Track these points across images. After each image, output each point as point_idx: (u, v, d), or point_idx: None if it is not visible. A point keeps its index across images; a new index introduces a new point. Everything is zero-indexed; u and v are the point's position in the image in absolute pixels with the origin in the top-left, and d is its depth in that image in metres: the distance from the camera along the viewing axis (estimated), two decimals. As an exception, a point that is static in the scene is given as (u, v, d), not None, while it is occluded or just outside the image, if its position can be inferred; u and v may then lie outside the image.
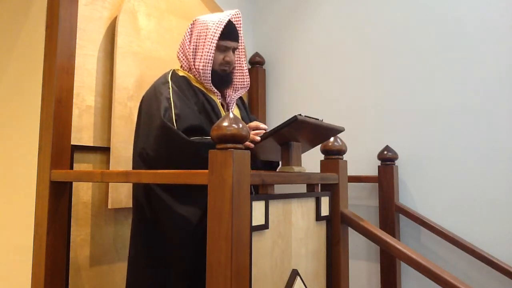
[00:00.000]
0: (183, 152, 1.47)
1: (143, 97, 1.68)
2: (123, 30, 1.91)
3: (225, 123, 1.13)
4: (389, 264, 2.24)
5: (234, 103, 1.83)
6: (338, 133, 1.56)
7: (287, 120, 1.31)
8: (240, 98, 1.92)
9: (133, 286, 1.57)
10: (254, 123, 1.59)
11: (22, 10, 1.87)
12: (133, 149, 1.63)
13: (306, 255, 1.46)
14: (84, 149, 1.80)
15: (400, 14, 2.43)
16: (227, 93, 1.82)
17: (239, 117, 1.77)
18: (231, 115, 1.16)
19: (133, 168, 1.61)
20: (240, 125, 1.14)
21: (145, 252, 1.54)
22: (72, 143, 1.69)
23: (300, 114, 1.32)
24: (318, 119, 1.41)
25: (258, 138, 1.44)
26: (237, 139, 1.13)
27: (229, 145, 1.13)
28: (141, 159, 1.55)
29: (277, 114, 2.78)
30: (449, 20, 2.28)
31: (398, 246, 1.46)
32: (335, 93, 2.60)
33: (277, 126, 1.36)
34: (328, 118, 1.68)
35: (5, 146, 1.88)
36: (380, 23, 2.49)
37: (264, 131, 1.52)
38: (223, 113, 1.73)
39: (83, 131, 1.79)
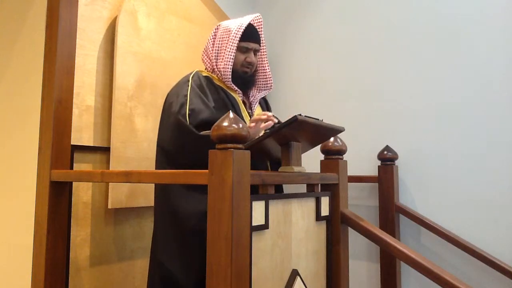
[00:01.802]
0: (193, 145, 1.56)
1: (167, 95, 1.77)
2: (123, 30, 1.91)
3: (225, 123, 1.13)
4: (389, 264, 2.24)
5: (257, 103, 1.91)
6: (338, 133, 1.56)
7: (287, 120, 1.31)
8: (264, 98, 2.00)
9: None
10: (254, 118, 1.63)
11: (22, 10, 1.87)
12: (157, 141, 1.75)
13: (306, 255, 1.46)
14: (84, 149, 1.80)
15: (401, 13, 2.42)
16: (251, 93, 1.89)
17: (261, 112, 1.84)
18: (231, 115, 1.16)
19: (156, 160, 1.72)
20: (240, 125, 1.14)
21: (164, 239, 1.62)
22: (72, 143, 1.70)
23: (300, 114, 1.32)
24: (318, 119, 1.41)
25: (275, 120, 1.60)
26: (237, 139, 1.13)
27: (229, 145, 1.13)
28: (161, 151, 1.67)
29: (277, 114, 2.77)
30: (449, 19, 2.28)
31: (398, 246, 1.46)
32: (335, 93, 2.60)
33: (277, 126, 1.36)
34: (328, 118, 1.68)
35: (5, 146, 1.88)
36: (380, 22, 2.49)
37: (271, 120, 1.62)
38: (243, 110, 1.80)
39: (83, 131, 1.79)
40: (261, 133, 1.60)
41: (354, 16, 2.58)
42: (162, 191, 1.65)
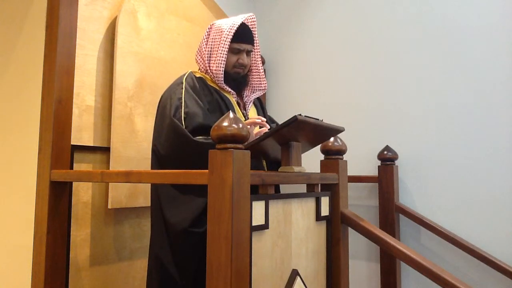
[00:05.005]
0: (188, 150, 1.54)
1: (161, 97, 1.75)
2: (123, 30, 1.91)
3: (225, 123, 1.13)
4: (389, 264, 2.25)
5: (251, 103, 1.89)
6: (338, 133, 1.56)
7: (287, 120, 1.31)
8: (258, 99, 1.97)
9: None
10: (248, 121, 1.63)
11: (22, 10, 1.87)
12: (151, 144, 1.73)
13: (306, 255, 1.46)
14: (84, 149, 1.80)
15: (400, 15, 2.43)
16: (244, 94, 1.88)
17: (256, 116, 1.83)
18: (231, 115, 1.16)
19: (151, 163, 1.70)
20: (240, 125, 1.14)
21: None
22: (72, 143, 1.70)
23: (300, 114, 1.32)
24: (318, 119, 1.41)
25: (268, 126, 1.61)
26: (237, 139, 1.13)
27: (229, 145, 1.13)
28: (154, 155, 1.65)
29: (277, 114, 2.78)
30: (449, 20, 2.28)
31: (398, 246, 1.46)
32: (335, 93, 2.60)
33: (277, 126, 1.36)
34: (328, 118, 1.68)
35: (5, 146, 1.88)
36: (380, 23, 2.49)
37: (264, 125, 1.62)
38: (238, 111, 1.78)
39: (83, 131, 1.79)
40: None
41: (355, 17, 2.58)
42: (154, 194, 1.65)
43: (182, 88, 1.67)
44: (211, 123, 1.59)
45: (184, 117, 1.58)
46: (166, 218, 1.56)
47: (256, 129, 1.66)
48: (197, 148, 1.50)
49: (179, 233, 1.52)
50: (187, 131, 1.54)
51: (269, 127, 1.67)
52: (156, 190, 1.62)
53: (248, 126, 1.58)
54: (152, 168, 1.69)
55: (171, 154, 1.58)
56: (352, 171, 2.09)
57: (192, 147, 1.52)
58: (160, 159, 1.62)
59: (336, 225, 1.59)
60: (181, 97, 1.64)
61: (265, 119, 1.64)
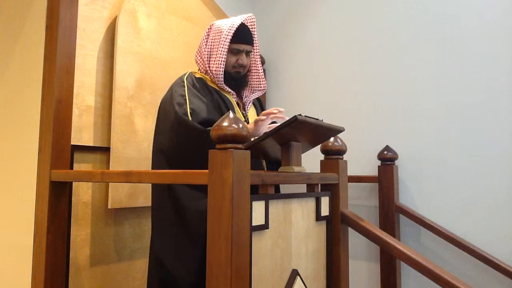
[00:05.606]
0: (198, 141, 1.52)
1: (161, 99, 1.74)
2: (123, 30, 1.91)
3: (225, 123, 1.14)
4: (389, 264, 2.24)
5: (251, 103, 1.89)
6: (338, 133, 1.56)
7: (287, 120, 1.31)
8: (258, 99, 1.98)
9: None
10: (265, 112, 1.62)
11: (22, 10, 1.87)
12: (153, 147, 1.70)
13: (306, 255, 1.46)
14: (84, 149, 1.80)
15: (400, 14, 2.43)
16: (244, 94, 1.88)
17: (255, 116, 1.85)
18: (231, 115, 1.16)
19: (153, 165, 1.67)
20: (240, 125, 1.14)
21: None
22: (72, 143, 1.70)
23: (300, 114, 1.32)
24: (318, 119, 1.41)
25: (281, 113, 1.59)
26: (237, 139, 1.14)
27: (229, 145, 1.13)
28: (162, 154, 1.63)
29: (277, 114, 2.78)
30: (449, 20, 2.28)
31: (398, 246, 1.46)
32: (335, 93, 2.60)
33: (277, 126, 1.36)
34: (328, 118, 1.68)
35: (5, 146, 1.88)
36: (380, 23, 2.49)
37: (281, 118, 1.59)
38: (238, 112, 1.78)
39: (83, 131, 1.79)
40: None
41: (355, 17, 2.58)
42: (165, 191, 1.62)
43: (184, 86, 1.68)
44: (216, 118, 1.59)
45: (190, 113, 1.58)
46: (187, 211, 1.52)
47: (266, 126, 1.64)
48: (209, 137, 1.49)
49: (198, 227, 1.49)
50: (196, 124, 1.54)
51: (286, 118, 1.64)
52: (170, 187, 1.59)
53: (264, 117, 1.58)
54: (157, 169, 1.68)
55: (180, 147, 1.57)
56: (352, 171, 2.09)
57: (204, 137, 1.49)
58: (169, 158, 1.60)
59: (336, 225, 1.59)
60: (184, 94, 1.64)
61: (283, 109, 1.61)
